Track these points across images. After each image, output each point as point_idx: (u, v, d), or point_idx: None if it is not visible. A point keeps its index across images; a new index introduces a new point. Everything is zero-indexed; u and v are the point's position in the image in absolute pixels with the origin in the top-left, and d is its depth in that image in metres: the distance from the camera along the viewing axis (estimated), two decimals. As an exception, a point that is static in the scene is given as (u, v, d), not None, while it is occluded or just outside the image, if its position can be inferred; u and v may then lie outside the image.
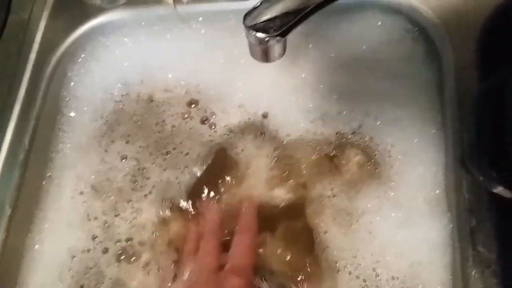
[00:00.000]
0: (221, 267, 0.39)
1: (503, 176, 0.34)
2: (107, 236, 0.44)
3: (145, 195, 0.45)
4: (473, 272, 0.36)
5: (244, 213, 0.42)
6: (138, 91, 0.50)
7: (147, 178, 0.46)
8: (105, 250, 0.43)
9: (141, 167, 0.46)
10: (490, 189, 0.35)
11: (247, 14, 0.31)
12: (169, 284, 0.40)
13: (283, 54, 0.34)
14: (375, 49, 0.46)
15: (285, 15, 0.31)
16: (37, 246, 0.44)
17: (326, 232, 0.42)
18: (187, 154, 0.46)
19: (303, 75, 0.47)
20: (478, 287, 0.36)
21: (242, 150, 0.46)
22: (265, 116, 0.47)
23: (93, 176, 0.46)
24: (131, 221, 0.44)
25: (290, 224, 0.42)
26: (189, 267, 0.39)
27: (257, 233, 0.41)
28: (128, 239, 0.44)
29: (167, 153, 0.47)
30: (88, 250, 0.43)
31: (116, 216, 0.44)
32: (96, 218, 0.45)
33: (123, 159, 0.47)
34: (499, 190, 0.34)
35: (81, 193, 0.46)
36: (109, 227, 0.44)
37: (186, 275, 0.39)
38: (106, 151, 0.47)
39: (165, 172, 0.46)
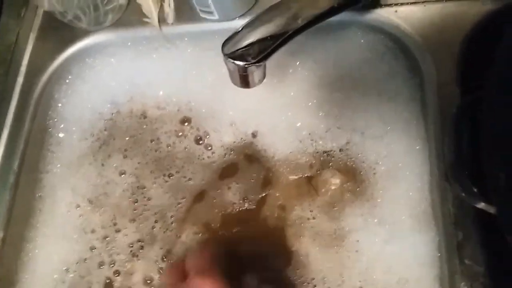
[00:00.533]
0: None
1: (484, 192, 0.34)
2: (105, 250, 0.45)
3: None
4: (462, 285, 0.36)
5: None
6: (129, 108, 0.50)
7: (148, 199, 0.46)
8: (101, 264, 0.44)
9: (140, 185, 0.47)
10: (472, 204, 0.35)
11: (225, 42, 0.31)
12: None
13: (263, 79, 0.34)
14: (360, 66, 0.46)
15: (263, 41, 0.31)
16: (30, 262, 0.45)
17: (312, 252, 0.42)
18: (190, 179, 0.47)
19: (291, 93, 0.48)
20: (466, 300, 0.36)
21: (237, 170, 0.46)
22: (255, 135, 0.47)
23: (90, 190, 0.47)
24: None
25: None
26: None
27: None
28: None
29: (169, 175, 0.47)
30: (85, 260, 0.44)
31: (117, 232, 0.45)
32: (93, 231, 0.45)
33: (122, 174, 0.48)
34: (481, 205, 0.35)
35: (78, 206, 0.47)
36: (108, 242, 0.45)
37: None
38: (103, 165, 0.48)
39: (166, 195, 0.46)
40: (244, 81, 0.33)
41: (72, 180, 0.48)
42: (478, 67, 0.39)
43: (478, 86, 0.37)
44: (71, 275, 0.44)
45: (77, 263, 0.44)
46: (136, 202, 0.46)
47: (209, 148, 0.47)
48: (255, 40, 0.31)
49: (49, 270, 0.44)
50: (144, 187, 0.47)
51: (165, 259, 0.44)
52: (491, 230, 0.38)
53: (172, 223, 0.45)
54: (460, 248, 0.37)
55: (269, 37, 0.31)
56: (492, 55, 0.35)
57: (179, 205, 0.46)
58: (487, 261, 0.37)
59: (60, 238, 0.45)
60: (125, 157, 0.48)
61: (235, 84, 0.35)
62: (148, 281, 0.44)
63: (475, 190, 0.35)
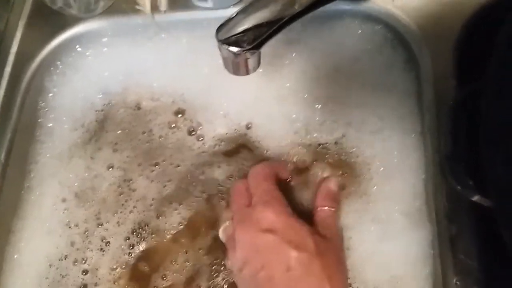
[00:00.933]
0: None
1: (479, 185, 0.34)
2: (86, 246, 0.43)
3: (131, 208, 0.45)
4: (455, 280, 0.36)
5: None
6: (122, 99, 0.49)
7: (133, 190, 0.45)
8: (83, 260, 0.43)
9: (127, 178, 0.46)
10: (468, 197, 0.35)
11: (220, 28, 0.31)
12: None
13: (258, 67, 0.34)
14: (356, 57, 0.46)
15: (259, 27, 0.31)
16: (16, 256, 0.44)
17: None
18: (177, 166, 0.46)
19: (287, 85, 0.47)
20: (459, 295, 0.36)
21: (227, 164, 0.45)
22: (249, 127, 0.47)
23: (77, 183, 0.46)
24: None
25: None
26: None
27: None
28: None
29: (155, 164, 0.46)
30: (66, 257, 0.43)
31: (98, 226, 0.44)
32: (77, 225, 0.44)
33: (110, 167, 0.46)
34: (477, 198, 0.34)
35: (64, 200, 0.45)
36: (89, 236, 0.44)
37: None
38: (92, 158, 0.47)
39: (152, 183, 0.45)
40: (238, 68, 0.33)
41: (61, 173, 0.46)
42: (476, 58, 0.39)
43: (475, 78, 0.37)
44: (54, 272, 0.43)
45: (60, 259, 0.43)
46: (121, 194, 0.45)
47: (201, 139, 0.47)
48: (250, 26, 0.31)
49: (34, 264, 0.43)
50: (131, 180, 0.46)
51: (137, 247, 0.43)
52: (484, 224, 0.37)
53: (151, 205, 0.45)
54: (454, 242, 0.37)
55: (264, 23, 0.30)
56: (490, 46, 0.34)
57: (164, 188, 0.45)
58: (481, 255, 0.37)
59: (45, 233, 0.44)
60: (115, 150, 0.47)
61: (229, 71, 0.34)
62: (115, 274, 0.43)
63: (471, 183, 0.34)
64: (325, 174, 0.43)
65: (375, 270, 0.40)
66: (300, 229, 0.36)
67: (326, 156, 0.44)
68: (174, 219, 0.44)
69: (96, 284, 0.42)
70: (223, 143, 0.46)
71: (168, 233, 0.43)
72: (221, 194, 0.44)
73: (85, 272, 0.42)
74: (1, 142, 0.45)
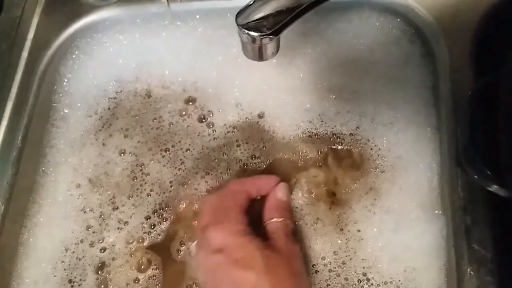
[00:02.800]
0: None
1: (497, 175, 0.34)
2: (103, 228, 0.44)
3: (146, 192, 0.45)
4: (469, 270, 0.36)
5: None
6: (134, 87, 0.49)
7: (147, 174, 0.46)
8: (99, 240, 0.43)
9: (139, 162, 0.46)
10: (485, 187, 0.35)
11: (240, 12, 0.31)
12: None
13: (276, 52, 0.34)
14: (372, 48, 0.46)
15: (279, 13, 0.31)
16: (31, 239, 0.44)
17: (313, 239, 0.42)
18: (187, 150, 0.46)
19: (301, 75, 0.47)
20: (473, 285, 0.36)
21: (239, 151, 0.46)
22: (261, 116, 0.47)
23: (90, 169, 0.46)
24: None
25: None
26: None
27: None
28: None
29: (166, 150, 0.47)
30: (82, 241, 0.43)
31: (114, 209, 0.45)
32: (92, 210, 0.45)
33: (122, 153, 0.47)
34: (494, 188, 0.34)
35: (78, 185, 0.46)
36: (105, 219, 0.44)
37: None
38: (104, 144, 0.47)
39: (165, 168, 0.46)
40: (257, 54, 0.33)
41: (74, 158, 0.47)
42: (493, 51, 0.39)
43: (492, 69, 0.36)
44: (70, 255, 0.43)
45: (76, 243, 0.43)
46: (135, 179, 0.46)
47: (211, 126, 0.47)
48: (270, 12, 0.31)
49: (49, 248, 0.44)
50: (143, 164, 0.46)
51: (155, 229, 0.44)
52: (500, 215, 0.37)
53: (171, 186, 0.45)
54: (468, 232, 0.37)
55: (284, 9, 0.30)
56: (509, 37, 0.34)
57: (178, 171, 0.45)
58: (495, 246, 0.37)
59: (60, 217, 0.45)
60: (125, 136, 0.48)
61: (247, 57, 0.34)
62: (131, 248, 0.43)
63: (488, 173, 0.34)
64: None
65: (390, 261, 0.40)
66: (249, 246, 0.35)
67: (340, 147, 0.44)
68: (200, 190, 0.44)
69: (113, 259, 0.43)
70: (235, 130, 0.46)
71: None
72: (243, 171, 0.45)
73: (103, 249, 0.43)
74: (17, 126, 0.46)
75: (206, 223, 0.37)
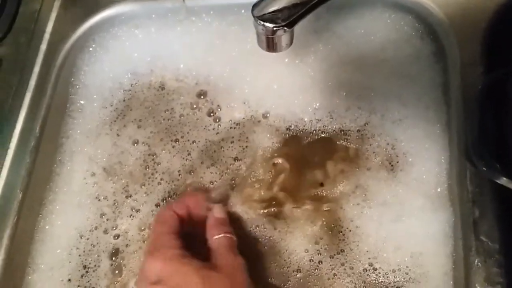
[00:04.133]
0: None
1: (506, 167, 0.34)
2: (116, 215, 0.45)
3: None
4: (476, 261, 0.37)
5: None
6: (148, 80, 0.51)
7: (158, 164, 0.47)
8: (113, 227, 0.45)
9: (151, 152, 0.48)
10: (493, 180, 0.36)
11: (256, 5, 0.32)
12: None
13: (290, 45, 0.35)
14: (383, 46, 0.47)
15: (293, 6, 0.32)
16: (47, 227, 0.45)
17: (317, 230, 0.42)
18: (193, 142, 0.47)
19: (312, 73, 0.48)
20: (480, 276, 0.36)
21: (245, 147, 0.47)
22: (265, 115, 0.47)
23: (105, 159, 0.48)
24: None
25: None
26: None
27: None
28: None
29: (176, 140, 0.48)
30: (96, 228, 0.45)
31: (127, 197, 0.46)
32: (106, 198, 0.46)
33: (135, 143, 0.48)
34: (503, 181, 0.35)
35: (93, 174, 0.47)
36: (118, 207, 0.45)
37: None
38: (118, 135, 0.49)
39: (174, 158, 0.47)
40: (272, 45, 0.34)
41: (89, 148, 0.48)
42: (504, 46, 0.39)
43: (503, 64, 0.37)
44: (84, 242, 0.44)
45: (90, 230, 0.45)
46: (147, 168, 0.47)
47: (218, 120, 0.48)
48: (285, 4, 0.31)
49: (64, 235, 0.45)
50: (155, 154, 0.47)
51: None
52: (508, 207, 0.38)
53: (179, 175, 0.46)
54: (476, 225, 0.38)
55: (299, 2, 0.31)
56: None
57: (186, 161, 0.47)
58: (503, 238, 0.37)
59: (76, 205, 0.46)
60: (139, 127, 0.49)
61: (262, 48, 0.35)
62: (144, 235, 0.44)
63: (498, 165, 0.35)
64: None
65: (396, 249, 0.40)
66: (185, 270, 0.35)
67: (348, 143, 0.45)
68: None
69: (127, 245, 0.44)
70: (238, 126, 0.47)
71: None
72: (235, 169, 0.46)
73: (117, 236, 0.44)
74: (36, 117, 0.47)
75: (144, 254, 0.38)
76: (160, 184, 0.46)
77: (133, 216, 0.45)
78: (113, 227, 0.45)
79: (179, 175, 0.46)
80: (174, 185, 0.46)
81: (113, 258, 0.43)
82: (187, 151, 0.47)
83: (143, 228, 0.44)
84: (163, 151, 0.47)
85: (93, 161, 0.48)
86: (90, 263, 0.43)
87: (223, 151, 0.47)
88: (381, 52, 0.47)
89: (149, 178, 0.46)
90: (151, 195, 0.46)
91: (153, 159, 0.47)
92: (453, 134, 0.42)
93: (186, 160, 0.47)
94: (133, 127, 0.49)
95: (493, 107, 0.37)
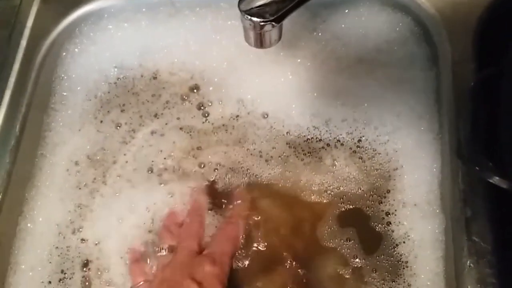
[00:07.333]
0: (200, 251, 0.38)
1: (498, 166, 0.34)
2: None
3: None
4: (468, 262, 0.36)
5: (236, 203, 0.42)
6: (138, 72, 0.50)
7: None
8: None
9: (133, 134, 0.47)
10: (486, 178, 0.35)
11: (242, -1, 0.30)
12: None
13: (279, 40, 0.34)
14: (379, 48, 0.46)
15: (281, 0, 0.30)
16: (29, 225, 0.44)
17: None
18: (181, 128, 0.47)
19: (308, 77, 0.47)
20: (472, 277, 0.36)
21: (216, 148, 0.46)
22: (265, 115, 0.46)
23: (88, 147, 0.47)
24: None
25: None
26: (167, 244, 0.39)
27: (243, 225, 0.40)
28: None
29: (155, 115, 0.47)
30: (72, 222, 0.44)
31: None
32: (85, 185, 0.45)
33: (118, 126, 0.48)
34: (495, 179, 0.34)
35: (76, 163, 0.46)
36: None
37: (163, 252, 0.39)
38: (101, 121, 0.48)
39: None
40: (259, 41, 0.33)
41: (73, 139, 0.47)
42: (496, 42, 0.39)
43: (495, 61, 0.36)
44: (64, 240, 0.43)
45: (67, 226, 0.44)
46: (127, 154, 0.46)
47: (206, 115, 0.47)
48: (272, -1, 0.30)
49: (46, 233, 0.44)
50: (134, 138, 0.47)
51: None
52: (500, 207, 0.37)
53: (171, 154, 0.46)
54: (468, 225, 0.37)
55: (288, -4, 0.30)
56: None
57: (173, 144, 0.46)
58: (495, 238, 0.36)
59: (57, 200, 0.45)
60: (122, 111, 0.48)
61: (249, 43, 0.34)
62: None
63: (490, 164, 0.34)
64: None
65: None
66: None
67: (344, 153, 0.44)
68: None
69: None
70: (226, 126, 0.46)
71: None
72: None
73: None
74: (16, 116, 0.45)
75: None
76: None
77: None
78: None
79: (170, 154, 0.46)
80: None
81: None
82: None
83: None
84: (142, 126, 0.47)
85: (77, 150, 0.47)
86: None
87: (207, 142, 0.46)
88: (378, 53, 0.46)
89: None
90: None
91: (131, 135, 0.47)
92: (445, 128, 0.41)
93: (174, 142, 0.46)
94: (117, 112, 0.48)
95: (485, 104, 0.36)
